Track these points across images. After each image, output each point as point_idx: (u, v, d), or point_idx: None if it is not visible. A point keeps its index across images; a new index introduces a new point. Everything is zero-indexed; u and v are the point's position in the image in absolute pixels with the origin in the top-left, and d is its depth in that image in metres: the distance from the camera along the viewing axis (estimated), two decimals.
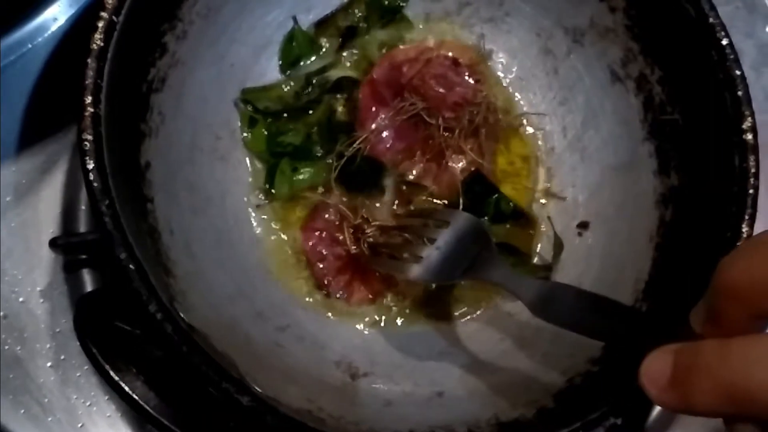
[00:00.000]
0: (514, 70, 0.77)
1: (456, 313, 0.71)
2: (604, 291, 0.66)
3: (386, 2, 0.76)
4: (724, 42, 0.62)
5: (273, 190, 0.71)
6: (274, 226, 0.71)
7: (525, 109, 0.77)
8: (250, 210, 0.71)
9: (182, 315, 0.54)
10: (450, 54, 0.76)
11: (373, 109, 0.73)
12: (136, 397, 0.56)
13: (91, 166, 0.53)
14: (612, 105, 0.71)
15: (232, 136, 0.71)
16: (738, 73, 0.61)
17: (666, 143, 0.68)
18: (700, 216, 0.63)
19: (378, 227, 0.70)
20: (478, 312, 0.71)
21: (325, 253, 0.70)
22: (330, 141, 0.72)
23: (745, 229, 0.59)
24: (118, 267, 0.52)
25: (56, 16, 0.74)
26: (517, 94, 0.77)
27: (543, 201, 0.75)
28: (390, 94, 0.74)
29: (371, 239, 0.69)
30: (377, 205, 0.72)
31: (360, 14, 0.75)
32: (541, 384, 0.62)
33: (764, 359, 0.38)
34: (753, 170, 0.60)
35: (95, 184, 0.53)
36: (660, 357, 0.44)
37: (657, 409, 0.72)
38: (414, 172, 0.73)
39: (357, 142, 0.71)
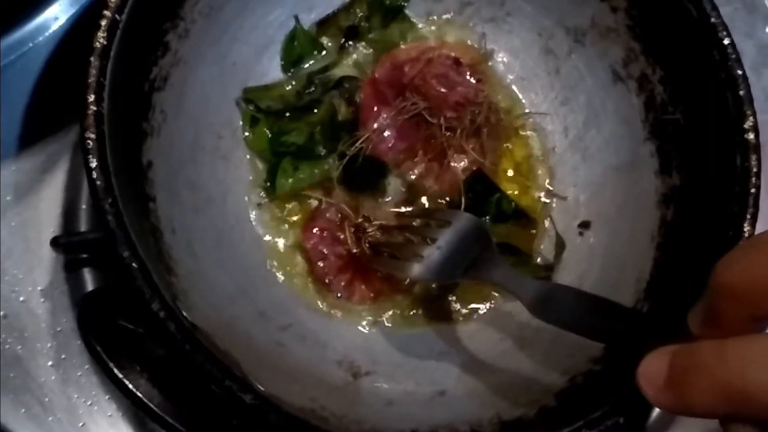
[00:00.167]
0: (515, 69, 0.77)
1: (457, 313, 0.71)
2: (606, 291, 0.66)
3: (388, 2, 0.76)
4: (726, 42, 0.62)
5: (275, 190, 0.71)
6: (275, 225, 0.71)
7: (526, 109, 0.77)
8: (251, 209, 0.71)
9: (184, 314, 0.54)
10: (452, 54, 0.76)
11: (375, 108, 0.73)
12: (140, 395, 0.56)
13: (93, 164, 0.53)
14: (613, 105, 0.71)
15: (233, 135, 0.71)
16: (740, 72, 0.61)
17: (667, 143, 0.68)
18: (701, 216, 0.63)
19: (379, 227, 0.70)
20: (479, 312, 0.71)
21: (326, 252, 0.70)
22: (333, 140, 0.72)
23: (747, 228, 0.59)
24: (121, 265, 0.52)
25: (57, 15, 0.74)
26: (518, 94, 0.77)
27: (544, 201, 0.75)
28: (392, 94, 0.74)
29: (372, 239, 0.69)
30: (378, 204, 0.72)
31: (361, 14, 0.75)
32: (543, 383, 0.62)
33: (761, 359, 0.38)
34: (755, 169, 0.60)
35: (98, 183, 0.53)
36: (657, 358, 0.44)
37: (657, 408, 0.72)
38: (416, 171, 0.73)
39: (359, 142, 0.71)
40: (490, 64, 0.77)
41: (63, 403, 0.67)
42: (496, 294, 0.71)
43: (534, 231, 0.73)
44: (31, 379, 0.67)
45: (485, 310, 0.71)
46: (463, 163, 0.73)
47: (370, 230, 0.69)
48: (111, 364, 0.55)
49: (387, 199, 0.73)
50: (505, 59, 0.78)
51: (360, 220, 0.70)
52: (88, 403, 0.67)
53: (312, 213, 0.71)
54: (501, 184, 0.73)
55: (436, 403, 0.64)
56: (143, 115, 0.62)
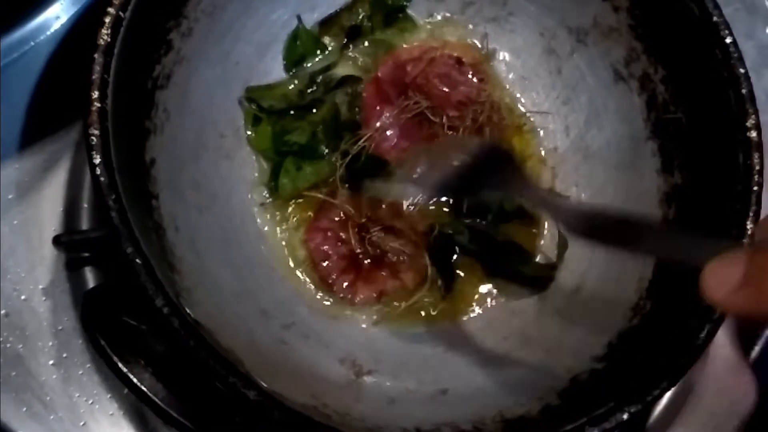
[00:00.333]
0: (517, 69, 0.78)
1: (459, 312, 0.71)
2: (607, 290, 0.67)
3: (390, 1, 0.76)
4: (728, 40, 0.62)
5: (278, 189, 0.71)
6: (278, 224, 0.71)
7: (528, 108, 0.77)
8: (254, 208, 0.71)
9: (188, 311, 0.54)
10: (454, 53, 0.76)
11: (378, 107, 0.74)
12: (145, 389, 0.56)
13: (97, 160, 0.53)
14: (615, 104, 0.72)
15: (236, 134, 0.71)
16: (742, 71, 0.61)
17: (669, 142, 0.68)
18: (704, 214, 0.63)
19: (382, 227, 0.70)
20: (482, 310, 0.71)
21: (329, 252, 0.70)
22: (335, 139, 0.72)
23: (749, 226, 0.59)
24: (125, 262, 0.52)
25: (58, 15, 0.73)
26: (520, 93, 0.78)
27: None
28: (394, 93, 0.74)
29: (375, 239, 0.69)
30: (381, 203, 0.72)
31: (364, 13, 0.75)
32: (546, 381, 0.63)
33: None
34: (757, 167, 0.60)
35: (102, 179, 0.53)
36: (727, 260, 0.44)
37: (659, 407, 0.72)
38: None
39: (362, 141, 0.71)
40: (492, 63, 0.78)
41: (64, 401, 0.67)
42: (499, 293, 0.72)
43: (536, 230, 0.73)
44: (32, 378, 0.67)
45: (488, 309, 0.71)
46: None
47: (373, 230, 0.69)
48: (115, 359, 0.55)
49: (390, 199, 0.72)
50: (507, 59, 0.78)
51: (363, 220, 0.70)
52: (90, 401, 0.67)
53: (315, 212, 0.71)
54: None
55: (438, 401, 0.64)
56: (146, 113, 0.61)
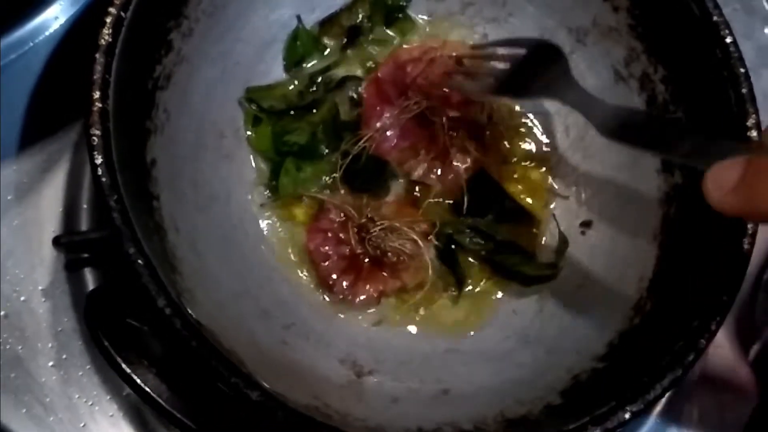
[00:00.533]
0: None
1: (460, 312, 0.71)
2: (608, 289, 0.67)
3: (390, 1, 0.76)
4: (728, 40, 0.62)
5: (278, 189, 0.71)
6: (278, 224, 0.71)
7: (528, 108, 0.77)
8: (254, 208, 0.71)
9: (190, 311, 0.54)
10: (454, 54, 0.76)
11: (378, 107, 0.73)
12: (149, 390, 0.56)
13: (99, 160, 0.53)
14: (615, 104, 0.71)
15: (236, 134, 0.71)
16: (742, 70, 0.62)
17: None
18: (704, 214, 0.63)
19: (382, 227, 0.70)
20: (483, 310, 0.71)
21: (330, 252, 0.70)
22: (335, 140, 0.72)
23: (750, 225, 0.59)
24: (127, 263, 0.52)
25: (57, 15, 0.74)
26: None
27: (546, 200, 0.75)
28: (395, 93, 0.74)
29: (376, 239, 0.69)
30: (382, 204, 0.72)
31: (363, 14, 0.76)
32: (547, 381, 0.63)
33: None
34: None
35: (104, 179, 0.53)
36: (729, 164, 0.47)
37: (658, 407, 0.72)
38: (419, 171, 0.73)
39: (362, 141, 0.71)
40: None
41: (64, 403, 0.67)
42: (502, 292, 0.72)
43: (536, 230, 0.73)
44: (32, 380, 0.67)
45: (489, 309, 0.71)
46: (466, 162, 0.73)
47: (373, 230, 0.69)
48: (119, 360, 0.55)
49: (390, 199, 0.73)
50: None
51: (364, 220, 0.70)
52: (90, 403, 0.67)
53: (316, 213, 0.72)
54: (503, 184, 0.74)
55: (440, 400, 0.64)
56: (147, 113, 0.61)
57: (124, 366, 0.56)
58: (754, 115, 0.61)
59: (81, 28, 0.73)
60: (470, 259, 0.72)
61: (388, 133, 0.73)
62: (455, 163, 0.73)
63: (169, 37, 0.63)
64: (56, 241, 0.67)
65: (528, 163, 0.76)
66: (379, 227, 0.70)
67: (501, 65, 0.68)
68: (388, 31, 0.77)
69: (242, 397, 0.51)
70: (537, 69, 0.66)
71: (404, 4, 0.77)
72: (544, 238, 0.74)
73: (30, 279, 0.69)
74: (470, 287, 0.72)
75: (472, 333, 0.70)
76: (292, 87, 0.74)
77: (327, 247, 0.70)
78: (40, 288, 0.69)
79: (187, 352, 0.51)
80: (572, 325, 0.67)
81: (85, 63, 0.56)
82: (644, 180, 0.69)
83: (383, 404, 0.63)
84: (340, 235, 0.71)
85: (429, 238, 0.71)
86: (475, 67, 0.72)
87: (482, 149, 0.74)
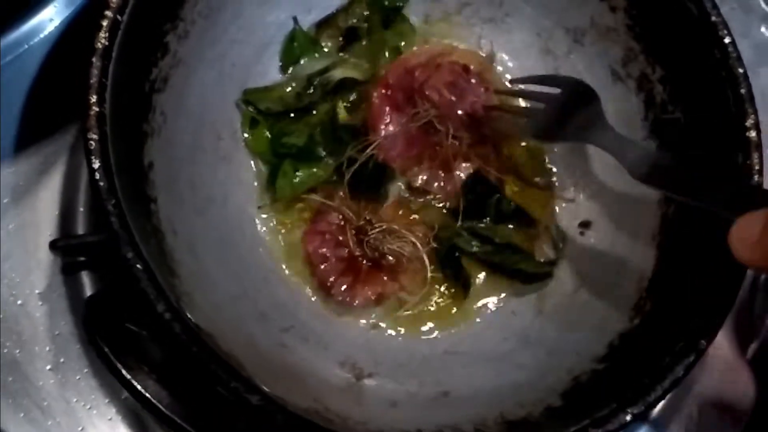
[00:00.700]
0: (514, 70, 0.77)
1: (460, 313, 0.71)
2: (607, 289, 0.67)
3: (386, 3, 0.76)
4: (727, 40, 0.62)
5: (276, 192, 0.70)
6: (276, 227, 0.71)
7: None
8: (252, 211, 0.71)
9: (188, 315, 0.54)
10: (460, 61, 0.76)
11: (386, 113, 0.73)
12: (149, 396, 0.56)
13: (96, 165, 0.53)
14: (613, 104, 0.71)
15: (233, 136, 0.71)
16: (741, 71, 0.62)
17: (668, 142, 0.68)
18: (703, 214, 0.63)
19: (381, 230, 0.70)
20: (483, 312, 0.71)
21: (328, 254, 0.70)
22: (333, 142, 0.72)
23: None
24: (125, 267, 0.52)
25: (52, 17, 0.73)
26: None
27: (545, 200, 0.75)
28: (403, 99, 0.74)
29: (374, 241, 0.69)
30: (380, 207, 0.72)
31: (360, 15, 0.75)
32: (547, 383, 0.63)
33: None
34: (757, 167, 0.60)
35: (101, 184, 0.53)
36: (751, 218, 0.49)
37: (658, 407, 0.72)
38: (422, 179, 0.73)
39: (370, 148, 0.71)
40: (497, 69, 0.78)
41: (62, 406, 0.66)
42: (505, 294, 0.72)
43: (534, 230, 0.73)
44: (29, 383, 0.66)
45: (488, 311, 0.71)
46: (469, 170, 0.73)
47: (372, 233, 0.69)
48: (119, 366, 0.55)
49: (389, 203, 0.73)
50: (504, 59, 0.78)
51: (362, 222, 0.70)
52: (88, 406, 0.67)
53: (313, 215, 0.71)
54: (504, 185, 0.74)
55: (439, 403, 0.64)
56: (144, 116, 0.61)
57: (124, 372, 0.56)
58: (752, 116, 0.61)
59: (76, 29, 0.73)
60: (468, 261, 0.72)
61: (396, 139, 0.73)
62: (457, 172, 0.73)
63: (165, 40, 0.63)
64: (53, 245, 0.66)
65: (527, 164, 0.75)
66: (377, 229, 0.70)
67: (537, 105, 0.70)
68: (386, 33, 0.76)
69: (242, 401, 0.51)
70: (572, 111, 0.67)
71: (401, 5, 0.77)
72: (541, 239, 0.73)
73: (27, 282, 0.69)
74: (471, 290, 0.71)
75: (470, 334, 0.70)
76: (289, 89, 0.73)
77: (325, 249, 0.70)
78: (36, 291, 0.68)
79: (187, 357, 0.51)
80: (572, 326, 0.67)
81: (81, 65, 0.55)
82: None
83: (383, 407, 0.63)
84: (339, 237, 0.71)
85: (428, 240, 0.71)
86: (510, 106, 0.74)
87: (485, 158, 0.74)
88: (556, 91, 0.69)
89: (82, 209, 0.70)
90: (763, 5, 0.84)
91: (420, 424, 0.59)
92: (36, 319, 0.68)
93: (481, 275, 0.72)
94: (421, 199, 0.73)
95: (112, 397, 0.67)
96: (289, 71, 0.74)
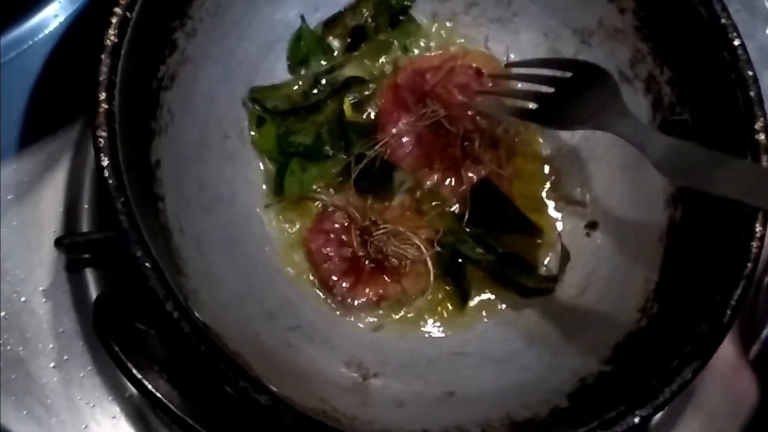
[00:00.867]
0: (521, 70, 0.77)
1: (465, 314, 0.71)
2: (614, 291, 0.67)
3: (394, 2, 0.76)
4: (736, 42, 0.62)
5: (282, 190, 0.70)
6: (283, 225, 0.71)
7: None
8: (259, 209, 0.70)
9: (197, 314, 0.54)
10: (473, 64, 0.76)
11: (395, 113, 0.73)
12: (160, 396, 0.56)
13: (106, 163, 0.53)
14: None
15: (240, 135, 0.71)
16: (750, 73, 0.62)
17: None
18: (711, 216, 0.63)
19: (386, 231, 0.69)
20: (488, 312, 0.71)
21: (331, 254, 0.70)
22: (340, 140, 0.72)
23: (758, 229, 0.59)
24: (134, 266, 0.52)
25: (57, 13, 0.73)
26: None
27: (551, 202, 0.75)
28: (412, 100, 0.73)
29: (378, 242, 0.69)
30: (386, 207, 0.72)
31: (368, 14, 0.75)
32: (553, 384, 0.63)
33: None
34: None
35: (110, 182, 0.53)
36: None
37: None
38: (431, 180, 0.73)
39: (378, 146, 0.70)
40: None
41: (65, 404, 0.66)
42: (507, 294, 0.71)
43: (540, 240, 0.73)
44: (32, 381, 0.66)
45: (494, 312, 0.71)
46: (481, 173, 0.73)
47: (376, 234, 0.69)
48: (130, 365, 0.55)
49: (395, 204, 0.72)
50: (511, 60, 0.77)
51: (367, 223, 0.70)
52: (91, 404, 0.66)
53: (318, 214, 0.71)
54: (512, 192, 0.74)
55: (446, 403, 0.64)
56: (151, 114, 0.61)
57: (135, 372, 0.55)
58: (762, 118, 0.61)
59: (80, 26, 0.73)
60: (471, 267, 0.71)
61: (404, 139, 0.73)
62: (469, 174, 0.73)
63: (173, 37, 0.63)
64: (58, 242, 0.66)
65: (533, 164, 0.75)
66: (382, 231, 0.69)
67: (543, 89, 0.66)
68: (393, 32, 0.76)
69: (251, 401, 0.51)
70: (585, 95, 0.63)
71: (408, 4, 0.76)
72: (546, 250, 0.73)
73: (30, 279, 0.68)
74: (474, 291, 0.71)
75: (475, 335, 0.70)
76: (296, 87, 0.73)
77: (328, 249, 0.70)
78: (40, 288, 0.68)
79: (195, 356, 0.51)
80: (578, 328, 0.67)
81: (85, 62, 0.55)
82: (650, 181, 0.68)
83: (389, 407, 0.63)
84: (343, 237, 0.70)
85: (432, 244, 0.70)
86: (511, 89, 0.70)
87: (497, 161, 0.73)
88: (565, 74, 0.66)
89: (86, 206, 0.70)
90: None
91: (426, 424, 0.59)
92: (39, 316, 0.68)
93: (484, 282, 0.72)
94: (429, 202, 0.72)
95: (116, 395, 0.66)
96: (297, 70, 0.74)
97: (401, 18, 0.76)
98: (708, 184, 0.54)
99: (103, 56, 0.55)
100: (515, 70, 0.73)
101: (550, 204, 0.75)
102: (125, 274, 0.56)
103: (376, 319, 0.70)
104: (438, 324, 0.70)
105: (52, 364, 0.67)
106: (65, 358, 0.67)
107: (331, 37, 0.75)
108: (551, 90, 0.66)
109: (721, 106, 0.63)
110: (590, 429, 0.54)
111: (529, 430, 0.59)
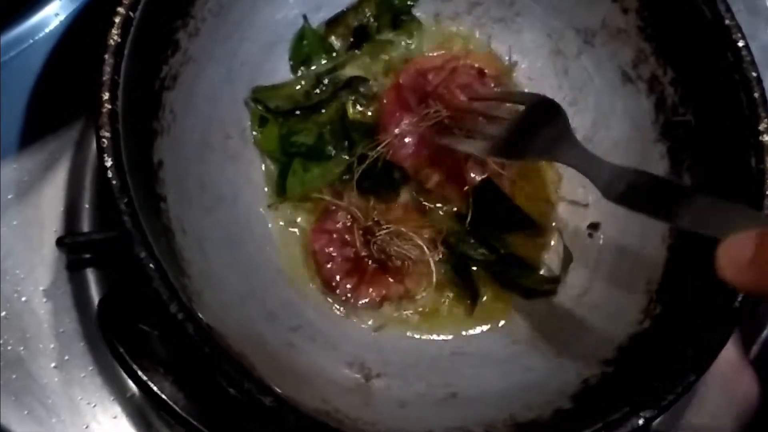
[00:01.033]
0: (524, 70, 0.77)
1: (467, 314, 0.71)
2: (616, 292, 0.67)
3: (396, 2, 0.76)
4: (741, 44, 0.62)
5: (285, 190, 0.70)
6: (285, 226, 0.71)
7: None
8: (261, 210, 0.70)
9: (200, 315, 0.54)
10: (476, 64, 0.75)
11: (397, 114, 0.73)
12: (165, 398, 0.55)
13: (109, 163, 0.53)
14: (623, 106, 0.71)
15: (242, 135, 0.71)
16: (754, 74, 0.62)
17: (678, 144, 0.68)
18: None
19: (389, 231, 0.69)
20: (491, 313, 0.71)
21: (334, 254, 0.70)
22: (343, 140, 0.72)
23: None
24: (138, 267, 0.52)
25: (57, 12, 0.73)
26: None
27: (553, 203, 0.75)
28: (415, 101, 0.73)
29: (381, 242, 0.69)
30: (389, 208, 0.72)
31: (370, 13, 0.75)
32: (556, 385, 0.62)
33: None
34: None
35: (114, 182, 0.52)
36: (741, 239, 0.45)
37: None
38: (434, 180, 0.72)
39: (381, 146, 0.70)
40: (513, 75, 0.78)
41: (66, 404, 0.66)
42: (509, 295, 0.71)
43: (542, 241, 0.73)
44: (33, 381, 0.66)
45: (497, 312, 0.71)
46: (484, 174, 0.72)
47: (379, 234, 0.69)
48: (135, 367, 0.54)
49: (398, 204, 0.72)
50: (513, 59, 0.77)
51: (370, 223, 0.70)
52: (92, 404, 0.66)
53: (321, 214, 0.71)
54: (513, 192, 0.74)
55: (449, 404, 0.63)
56: (154, 114, 0.61)
57: (140, 374, 0.55)
58: (766, 119, 0.61)
59: (81, 25, 0.72)
60: (475, 267, 0.72)
61: (407, 140, 0.72)
62: (472, 175, 0.72)
63: (176, 37, 0.63)
64: (60, 242, 0.66)
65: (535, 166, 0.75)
66: (385, 231, 0.69)
67: (497, 125, 0.67)
68: (396, 32, 0.76)
69: (255, 402, 0.51)
70: (536, 128, 0.64)
71: (411, 4, 0.76)
72: (548, 251, 0.73)
73: (31, 279, 0.68)
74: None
75: (477, 336, 0.70)
76: (298, 87, 0.73)
77: (331, 249, 0.70)
78: (41, 288, 0.68)
79: (199, 358, 0.51)
80: (580, 329, 0.67)
81: (86, 60, 0.55)
82: None
83: (392, 408, 0.62)
84: (346, 236, 0.70)
85: (435, 244, 0.70)
86: (471, 125, 0.70)
87: (500, 163, 0.73)
88: (519, 108, 0.67)
89: (87, 206, 0.70)
90: None
91: (429, 425, 0.59)
92: (40, 316, 0.67)
93: (487, 282, 0.72)
94: (432, 202, 0.72)
95: (117, 395, 0.66)
96: (299, 69, 0.74)
97: (403, 18, 0.76)
98: (654, 212, 0.56)
99: (106, 56, 0.55)
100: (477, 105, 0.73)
101: (554, 205, 0.75)
102: (127, 275, 0.56)
103: (378, 320, 0.70)
104: (440, 325, 0.70)
105: (52, 364, 0.67)
106: (66, 358, 0.67)
107: (333, 37, 0.75)
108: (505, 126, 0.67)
109: (724, 107, 0.63)
110: (595, 430, 0.54)
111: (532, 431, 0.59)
